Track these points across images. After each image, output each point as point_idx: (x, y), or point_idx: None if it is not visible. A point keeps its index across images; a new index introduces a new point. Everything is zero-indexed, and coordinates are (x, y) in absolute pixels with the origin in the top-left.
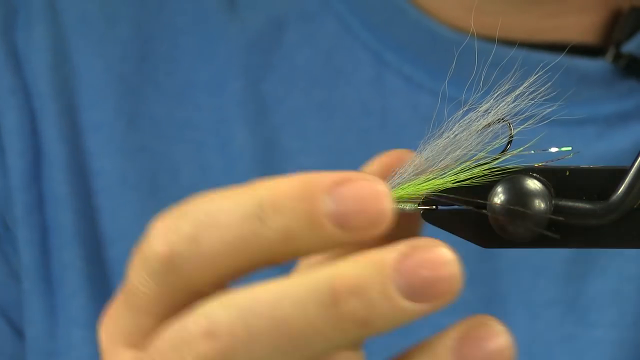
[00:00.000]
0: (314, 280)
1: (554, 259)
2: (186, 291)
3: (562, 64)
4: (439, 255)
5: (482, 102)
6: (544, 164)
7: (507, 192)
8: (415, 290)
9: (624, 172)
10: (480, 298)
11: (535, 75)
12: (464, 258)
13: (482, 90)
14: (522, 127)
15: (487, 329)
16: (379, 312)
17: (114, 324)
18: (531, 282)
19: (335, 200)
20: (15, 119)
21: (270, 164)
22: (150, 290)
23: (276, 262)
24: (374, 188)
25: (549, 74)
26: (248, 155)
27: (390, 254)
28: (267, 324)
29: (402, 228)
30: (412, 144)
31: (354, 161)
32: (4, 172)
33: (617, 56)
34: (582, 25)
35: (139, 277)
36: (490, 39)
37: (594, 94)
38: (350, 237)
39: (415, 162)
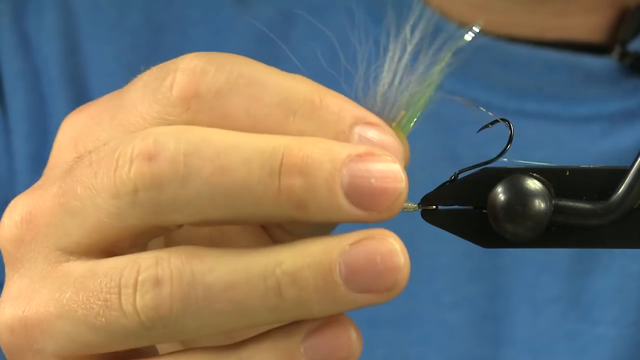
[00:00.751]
0: (269, 144)
1: (557, 255)
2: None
3: (568, 62)
4: (393, 171)
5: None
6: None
7: (507, 192)
8: (357, 193)
9: (624, 172)
10: (483, 293)
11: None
12: (467, 254)
13: (489, 88)
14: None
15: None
16: (316, 199)
17: (87, 128)
18: (535, 279)
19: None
20: (23, 102)
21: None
22: (149, 117)
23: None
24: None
25: (555, 71)
26: None
27: (350, 150)
28: (208, 167)
29: None
30: (417, 139)
31: None
32: (9, 155)
33: (623, 54)
34: (589, 24)
35: (144, 98)
36: (496, 37)
37: (600, 92)
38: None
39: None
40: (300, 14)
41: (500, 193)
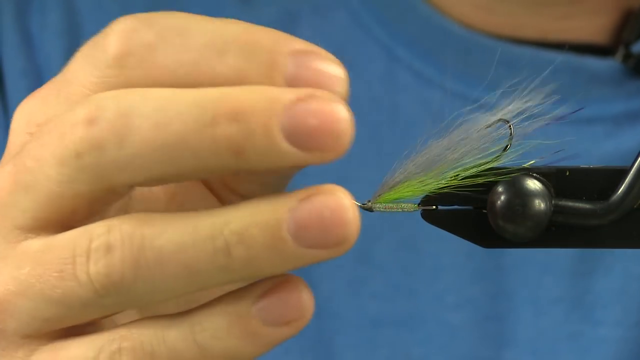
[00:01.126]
0: (204, 95)
1: (560, 256)
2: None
3: (571, 63)
4: (335, 110)
5: (491, 102)
6: (543, 162)
7: (507, 192)
8: (298, 134)
9: (623, 172)
10: (486, 294)
11: (544, 74)
12: (470, 254)
13: (491, 88)
14: (523, 125)
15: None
16: (254, 144)
17: (37, 110)
18: (537, 279)
19: (295, 64)
20: None
21: None
22: (90, 84)
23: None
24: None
25: (559, 73)
26: None
27: (286, 94)
28: (145, 124)
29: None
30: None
31: (364, 156)
32: None
33: (627, 56)
34: (593, 26)
35: (84, 67)
36: (501, 38)
37: (603, 94)
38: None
39: (417, 161)
40: (304, 15)
41: (500, 193)
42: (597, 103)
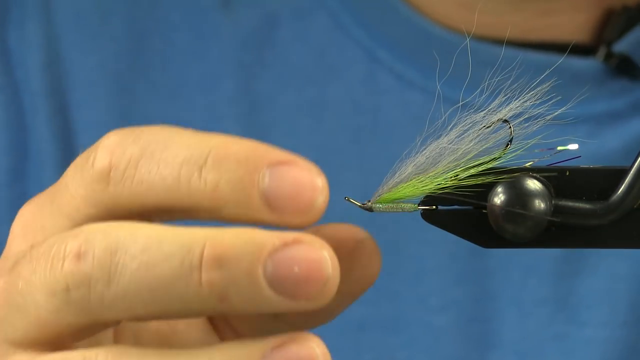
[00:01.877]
0: (191, 237)
1: (544, 257)
2: (109, 208)
3: (552, 63)
4: (318, 257)
5: (484, 105)
6: (542, 162)
7: (507, 192)
8: (282, 283)
9: (623, 172)
10: (470, 297)
11: (527, 75)
12: (453, 256)
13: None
14: (519, 126)
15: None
16: (238, 291)
17: (33, 217)
18: (522, 281)
19: (272, 177)
20: (2, 116)
21: None
22: (79, 196)
23: (196, 217)
24: (312, 178)
25: (541, 73)
26: None
27: (271, 239)
28: (134, 265)
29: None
30: (403, 143)
31: (345, 160)
32: None
33: (609, 55)
34: (574, 24)
35: (74, 179)
36: (482, 38)
37: (585, 93)
38: (276, 218)
39: (416, 162)
40: (284, 18)
41: (500, 193)
42: (580, 103)
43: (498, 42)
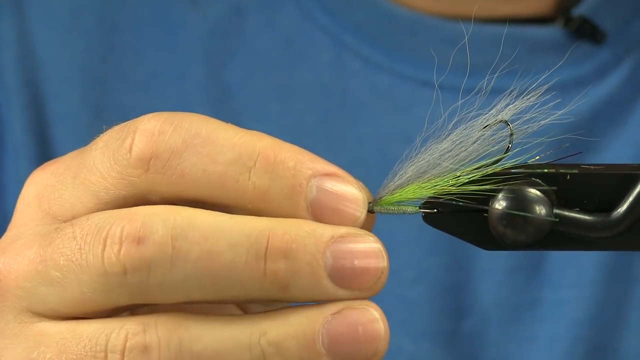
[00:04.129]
0: (255, 227)
1: None
2: (143, 193)
3: (513, 35)
4: (374, 251)
5: (483, 110)
6: (545, 164)
7: (508, 200)
8: (342, 275)
9: (625, 178)
10: (442, 267)
11: (491, 49)
12: (424, 228)
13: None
14: (527, 127)
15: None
16: (300, 282)
17: (50, 186)
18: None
19: (319, 189)
20: None
21: None
22: (110, 177)
23: (233, 212)
24: (354, 194)
25: (502, 45)
26: None
27: (331, 231)
28: (196, 252)
29: None
30: (370, 122)
31: (315, 140)
32: None
33: (568, 20)
34: (539, 4)
35: (105, 159)
36: (446, 18)
37: (548, 62)
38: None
39: (417, 164)
40: (251, 9)
41: (501, 200)
42: (543, 71)
43: (464, 20)
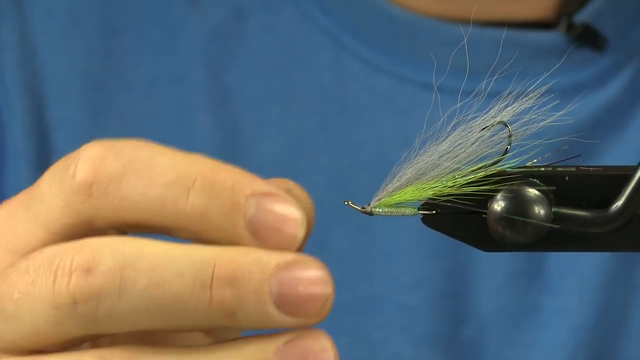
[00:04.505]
0: (201, 255)
1: None
2: (89, 219)
3: (513, 39)
4: (320, 277)
5: (481, 112)
6: (543, 166)
7: (507, 200)
8: (287, 302)
9: (623, 178)
10: (442, 272)
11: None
12: (424, 233)
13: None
14: (526, 128)
15: (314, 339)
16: (246, 309)
17: (6, 223)
18: (494, 254)
19: (258, 208)
20: None
21: (233, 151)
22: (57, 206)
23: (176, 235)
24: (294, 214)
25: (502, 49)
26: (212, 143)
27: (278, 259)
28: (143, 281)
29: None
30: (370, 125)
31: (315, 144)
32: None
33: (570, 26)
34: (540, 5)
35: (52, 188)
36: (446, 22)
37: (548, 66)
38: (257, 245)
39: (416, 166)
40: (252, 11)
41: (499, 200)
42: (544, 76)
43: (464, 23)
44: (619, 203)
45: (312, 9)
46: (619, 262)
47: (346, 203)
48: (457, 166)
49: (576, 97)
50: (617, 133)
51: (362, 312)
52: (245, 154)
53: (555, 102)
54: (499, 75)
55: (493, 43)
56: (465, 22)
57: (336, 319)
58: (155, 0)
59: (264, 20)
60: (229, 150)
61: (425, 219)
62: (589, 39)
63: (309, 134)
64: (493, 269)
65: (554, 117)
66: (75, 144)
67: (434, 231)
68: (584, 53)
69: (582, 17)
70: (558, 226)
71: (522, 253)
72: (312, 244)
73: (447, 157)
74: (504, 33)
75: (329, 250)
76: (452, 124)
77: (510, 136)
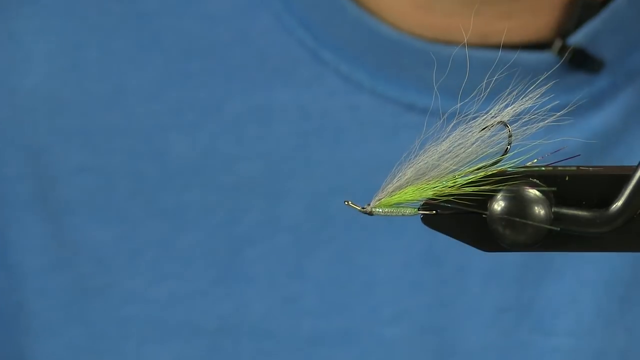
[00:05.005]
0: None
1: (505, 263)
2: None
3: (503, 60)
4: None
5: (481, 112)
6: (543, 166)
7: (507, 200)
8: None
9: (623, 178)
10: (425, 306)
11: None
12: (408, 265)
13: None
14: (526, 128)
15: None
16: None
17: None
18: (481, 288)
19: None
20: None
21: (208, 171)
22: None
23: None
24: None
25: (496, 70)
26: (185, 163)
27: None
28: None
29: None
30: (351, 147)
31: (293, 167)
32: None
33: (564, 48)
34: (535, 25)
35: None
36: (438, 41)
37: (540, 88)
38: None
39: (415, 166)
40: (224, 17)
41: (500, 200)
42: (534, 97)
43: (455, 45)
44: (619, 203)
45: (289, 20)
46: (621, 302)
47: (346, 203)
48: (457, 166)
49: (569, 119)
50: (612, 157)
51: (337, 345)
52: (222, 175)
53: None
54: (485, 95)
55: (483, 64)
56: (456, 43)
57: (312, 350)
58: (121, 9)
59: (237, 29)
60: (204, 171)
61: (425, 219)
62: (581, 62)
63: (287, 156)
64: (480, 303)
65: (555, 116)
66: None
67: (418, 264)
68: (576, 76)
69: (578, 38)
70: (558, 229)
71: (512, 286)
72: (286, 270)
73: (447, 157)
74: (494, 55)
75: (305, 277)
76: (452, 124)
77: (510, 136)
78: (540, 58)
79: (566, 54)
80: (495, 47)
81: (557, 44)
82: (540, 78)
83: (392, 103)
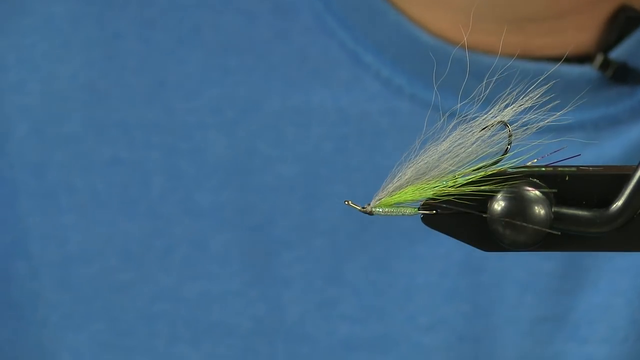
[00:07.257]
0: None
1: (541, 273)
2: None
3: (545, 72)
4: None
5: (481, 112)
6: (543, 166)
7: (507, 199)
8: None
9: (624, 177)
10: (462, 314)
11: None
12: (445, 273)
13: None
14: (518, 130)
15: None
16: None
17: None
18: (518, 298)
19: None
20: None
21: (246, 172)
22: None
23: None
24: None
25: (534, 82)
26: (223, 162)
27: None
28: None
29: None
30: (390, 153)
31: (331, 171)
32: None
33: (606, 62)
34: (578, 40)
35: None
36: (477, 51)
37: (581, 101)
38: None
39: (416, 166)
40: (264, 15)
41: (499, 200)
42: (577, 109)
43: (495, 55)
44: (619, 203)
45: (329, 20)
46: None
47: (346, 203)
48: (457, 166)
49: (608, 131)
50: None
51: (375, 350)
52: (259, 176)
53: (589, 139)
54: (529, 105)
55: (524, 75)
56: (497, 54)
57: (348, 355)
58: (165, 1)
59: (277, 28)
60: (241, 171)
61: (425, 219)
62: (622, 75)
63: (326, 158)
64: (517, 313)
65: (555, 116)
66: (77, 164)
67: (456, 272)
68: (617, 88)
69: (619, 52)
70: (559, 233)
71: (548, 296)
72: (323, 274)
73: (447, 157)
74: (535, 65)
75: (341, 281)
76: (452, 124)
77: (510, 136)
78: (582, 72)
79: (608, 69)
80: (537, 59)
81: (599, 58)
82: (582, 90)
83: (431, 109)
